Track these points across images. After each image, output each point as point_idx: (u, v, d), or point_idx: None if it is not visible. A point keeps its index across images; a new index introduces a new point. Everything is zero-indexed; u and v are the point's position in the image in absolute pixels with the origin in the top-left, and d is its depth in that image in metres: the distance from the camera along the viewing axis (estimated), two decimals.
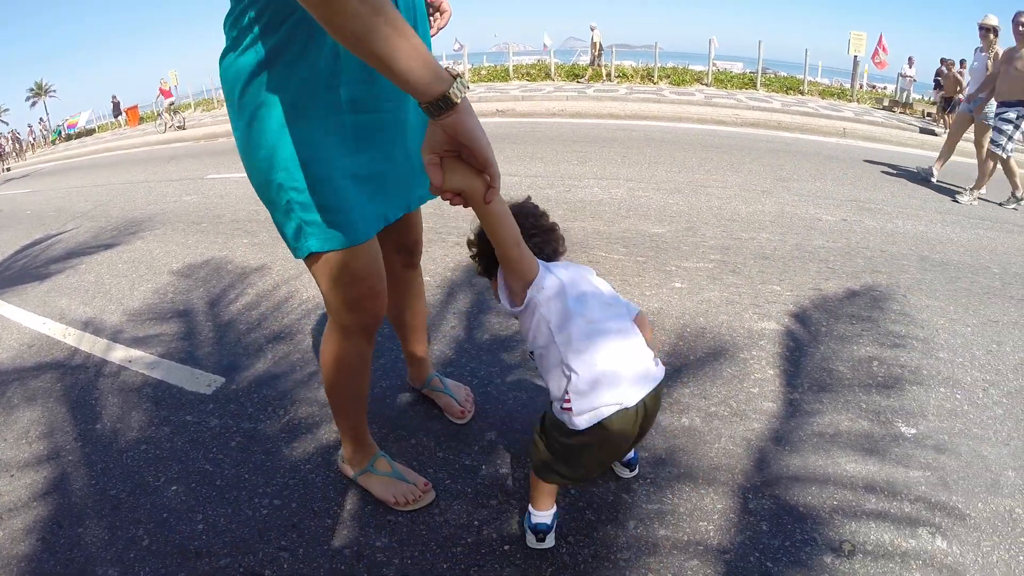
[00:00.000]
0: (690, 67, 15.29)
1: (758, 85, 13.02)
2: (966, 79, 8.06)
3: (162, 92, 16.59)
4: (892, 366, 2.02)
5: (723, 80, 13.68)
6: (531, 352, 1.20)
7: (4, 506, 1.87)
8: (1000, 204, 4.86)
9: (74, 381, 2.57)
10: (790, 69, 21.12)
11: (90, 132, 23.92)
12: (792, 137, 7.34)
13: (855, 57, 12.90)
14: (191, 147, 11.42)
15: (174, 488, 1.80)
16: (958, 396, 1.89)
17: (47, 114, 31.08)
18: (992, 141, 4.85)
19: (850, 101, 12.26)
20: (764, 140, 7.09)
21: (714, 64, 14.18)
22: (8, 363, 2.88)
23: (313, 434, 1.98)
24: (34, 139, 23.73)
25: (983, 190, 4.97)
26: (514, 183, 4.90)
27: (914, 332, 2.26)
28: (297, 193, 1.14)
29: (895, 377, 1.97)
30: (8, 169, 17.95)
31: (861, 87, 13.80)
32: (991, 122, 4.91)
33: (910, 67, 13.28)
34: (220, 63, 1.13)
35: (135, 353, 2.73)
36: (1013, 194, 4.87)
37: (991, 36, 5.28)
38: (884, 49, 13.41)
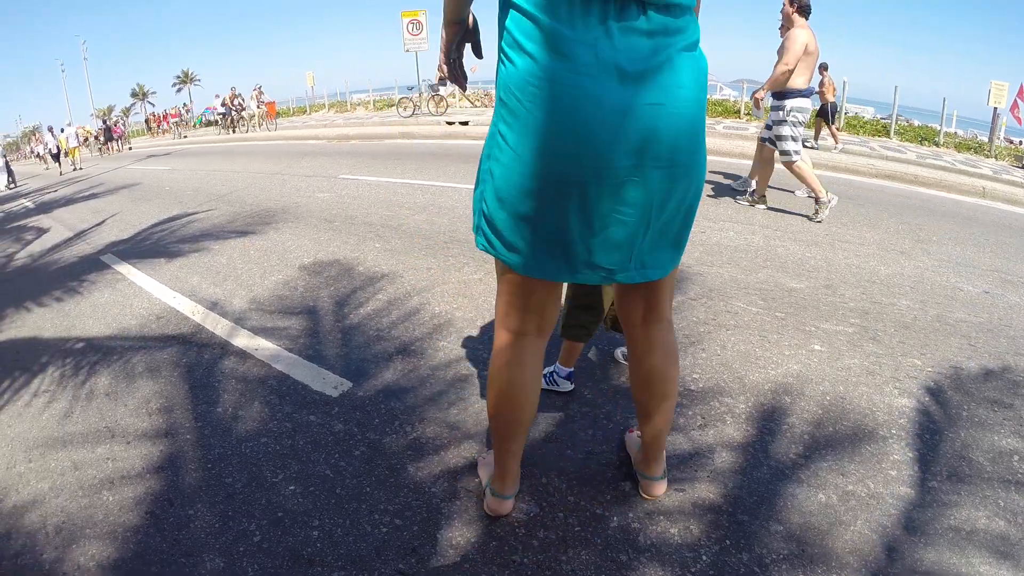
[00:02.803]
0: None
1: (891, 133, 13.32)
2: None
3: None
4: None
5: (855, 125, 14.12)
6: None
7: (117, 471, 2.07)
8: None
9: (197, 359, 2.83)
10: (923, 117, 21.50)
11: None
12: (929, 193, 7.66)
13: (995, 109, 12.98)
14: (323, 146, 12.60)
15: (292, 488, 1.89)
16: None
17: (191, 100, 36.13)
18: None
19: (988, 157, 12.64)
20: (900, 194, 7.18)
21: (845, 108, 14.21)
22: (135, 330, 3.26)
23: (440, 457, 2.02)
24: (185, 119, 28.34)
25: None
26: None
27: None
28: None
29: None
30: (185, 137, 23.74)
31: (999, 142, 13.78)
32: None
33: None
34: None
35: (261, 342, 2.96)
36: None
37: None
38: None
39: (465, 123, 13.83)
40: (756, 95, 5.52)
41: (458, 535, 1.67)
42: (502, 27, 1.25)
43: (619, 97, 1.18)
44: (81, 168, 17.66)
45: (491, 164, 1.33)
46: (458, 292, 3.49)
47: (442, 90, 16.31)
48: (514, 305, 1.47)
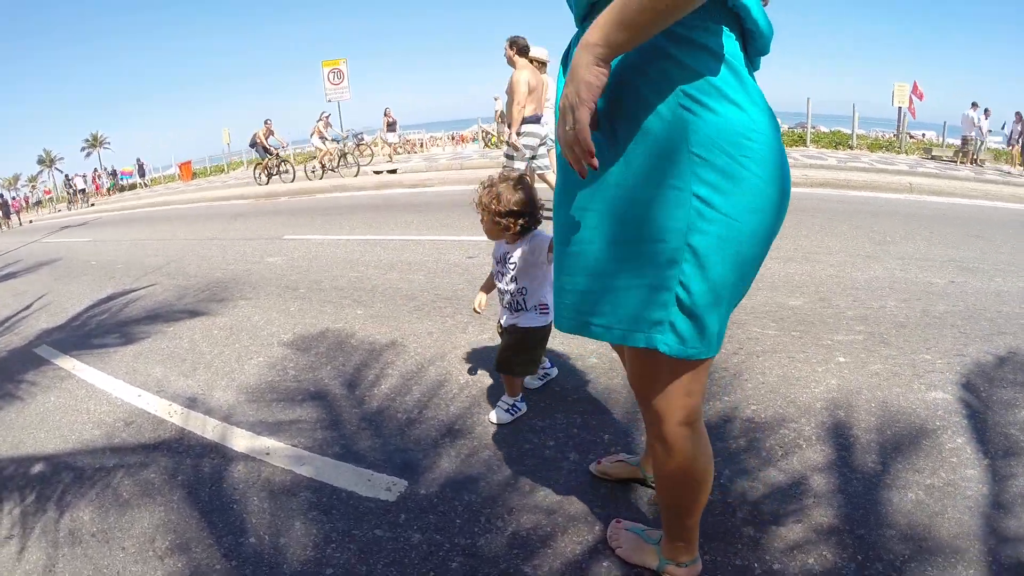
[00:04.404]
0: None
1: (807, 142, 14.46)
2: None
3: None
4: None
5: None
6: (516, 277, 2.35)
7: None
8: None
9: (196, 474, 2.33)
10: (828, 123, 23.57)
11: (135, 186, 25.83)
12: (864, 196, 8.33)
13: (900, 108, 14.48)
14: (252, 205, 11.91)
15: None
16: None
17: (100, 164, 33.96)
18: None
19: (898, 153, 13.98)
20: (840, 200, 7.80)
21: None
22: (102, 442, 2.71)
23: (554, 549, 1.79)
24: (97, 187, 25.91)
25: None
26: None
27: None
28: None
29: None
30: (92, 205, 21.06)
31: (904, 136, 15.47)
32: None
33: (986, 117, 13.79)
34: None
35: (268, 442, 2.49)
36: None
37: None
38: (920, 96, 14.79)
39: (393, 171, 13.51)
40: (512, 141, 6.13)
41: None
42: (678, 69, 1.04)
43: None
44: None
45: (691, 238, 1.08)
46: (475, 357, 3.16)
47: (367, 138, 15.99)
48: (701, 387, 1.29)
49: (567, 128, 1.02)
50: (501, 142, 14.93)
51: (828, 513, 1.84)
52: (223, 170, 24.98)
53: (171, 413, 2.90)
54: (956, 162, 13.45)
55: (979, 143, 13.72)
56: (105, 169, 28.86)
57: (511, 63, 5.98)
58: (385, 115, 18.28)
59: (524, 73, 5.85)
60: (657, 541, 1.63)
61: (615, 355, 3.17)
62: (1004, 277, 4.33)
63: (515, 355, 2.42)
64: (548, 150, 6.49)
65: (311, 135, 15.55)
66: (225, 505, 2.11)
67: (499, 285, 2.43)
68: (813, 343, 3.10)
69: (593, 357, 3.15)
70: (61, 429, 2.89)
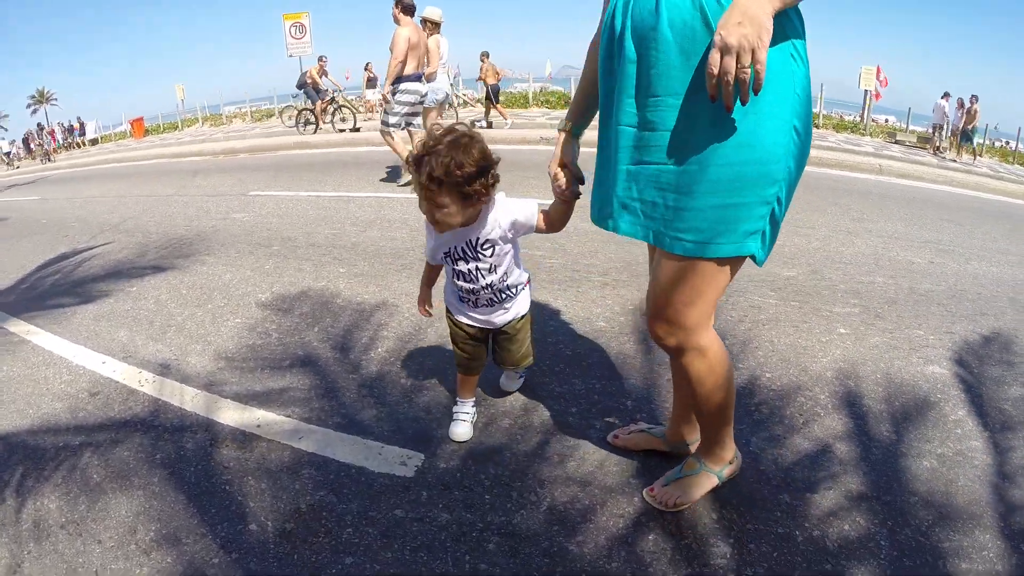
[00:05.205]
0: None
1: None
2: None
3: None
4: None
5: None
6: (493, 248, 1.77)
7: None
8: None
9: (178, 452, 2.05)
10: None
11: (94, 142, 24.40)
12: (837, 175, 8.56)
13: (866, 91, 14.87)
14: (211, 162, 11.26)
15: None
16: None
17: (47, 121, 31.67)
18: None
19: (863, 135, 14.35)
20: (819, 178, 7.95)
21: None
22: (66, 416, 2.38)
23: (595, 522, 1.66)
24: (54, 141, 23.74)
25: None
26: None
27: None
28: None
29: None
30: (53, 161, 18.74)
31: (868, 120, 15.96)
32: None
33: (959, 107, 14.18)
34: None
35: (260, 414, 2.21)
36: None
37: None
38: (883, 82, 15.22)
39: (356, 129, 12.91)
40: (384, 94, 6.16)
41: None
42: (790, 26, 1.24)
43: None
44: None
45: (788, 161, 1.28)
46: None
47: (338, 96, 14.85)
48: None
49: (743, 66, 1.11)
50: (464, 103, 14.36)
51: (856, 480, 1.85)
52: (177, 127, 23.73)
53: (142, 382, 2.58)
54: (922, 148, 13.93)
55: (947, 132, 14.20)
56: (60, 124, 26.96)
57: (396, 20, 6.04)
58: (366, 70, 17.07)
59: (405, 31, 5.94)
60: (699, 467, 1.66)
61: (624, 318, 2.99)
62: (979, 261, 4.55)
63: (528, 342, 2.04)
64: (425, 109, 6.58)
65: (302, 83, 14.00)
66: (216, 487, 1.83)
67: (465, 285, 1.84)
68: (813, 313, 3.15)
69: (601, 320, 2.96)
70: (16, 403, 2.54)
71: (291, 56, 15.32)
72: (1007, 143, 19.41)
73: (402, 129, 6.35)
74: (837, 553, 1.58)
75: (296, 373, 2.52)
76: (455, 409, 2.06)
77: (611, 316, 3.02)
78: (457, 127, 1.63)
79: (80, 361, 2.86)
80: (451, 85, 11.82)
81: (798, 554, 1.57)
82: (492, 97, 12.18)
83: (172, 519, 1.71)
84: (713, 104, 1.19)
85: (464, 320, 1.93)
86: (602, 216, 1.48)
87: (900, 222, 5.66)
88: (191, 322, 3.19)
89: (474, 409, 2.07)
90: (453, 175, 1.56)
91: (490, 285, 1.82)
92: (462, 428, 2.01)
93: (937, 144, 13.95)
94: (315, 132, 13.29)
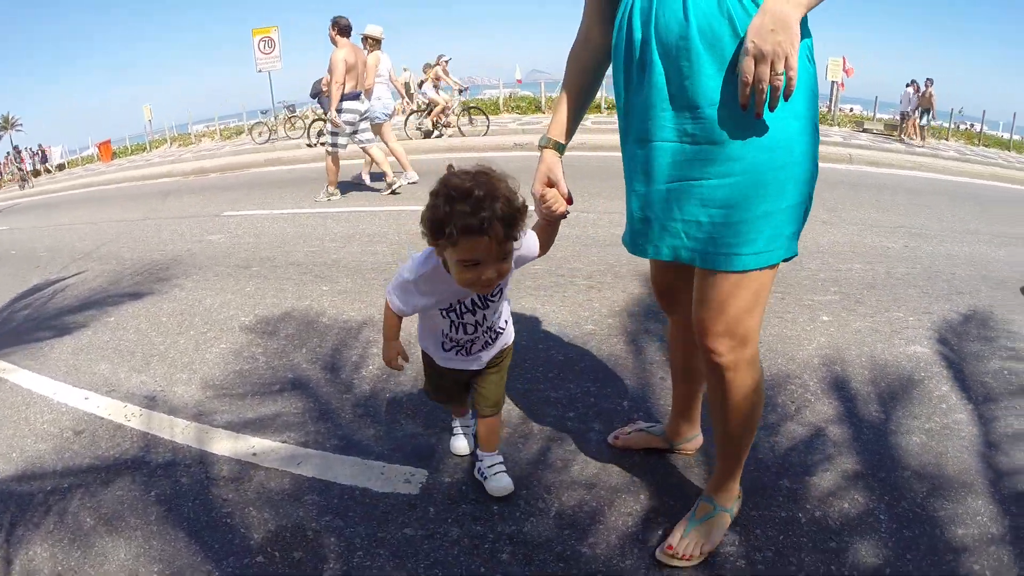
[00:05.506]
0: None
1: None
2: None
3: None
4: (1020, 375, 2.49)
5: None
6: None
7: None
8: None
9: (174, 487, 1.99)
10: None
11: (61, 167, 23.78)
12: None
13: (833, 83, 15.24)
14: (182, 183, 11.06)
15: None
16: None
17: (12, 146, 30.74)
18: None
19: (831, 125, 14.71)
20: None
21: None
22: (51, 459, 2.30)
23: (605, 523, 1.69)
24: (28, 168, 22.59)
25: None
26: (591, 220, 5.04)
27: (1019, 344, 2.79)
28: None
29: None
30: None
31: (836, 110, 16.42)
32: None
33: (915, 91, 14.55)
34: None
35: (254, 441, 2.16)
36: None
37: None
38: (849, 72, 15.62)
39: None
40: (331, 118, 6.31)
41: None
42: (805, 29, 1.23)
43: None
44: None
45: (816, 159, 1.31)
46: None
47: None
48: None
49: (777, 73, 1.11)
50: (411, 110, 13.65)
51: (850, 460, 1.92)
52: (145, 149, 23.30)
53: (128, 416, 2.51)
54: (889, 136, 14.54)
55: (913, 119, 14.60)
56: (28, 148, 26.13)
57: (333, 42, 6.21)
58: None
59: (342, 52, 6.09)
60: (714, 508, 1.58)
61: (612, 320, 2.99)
62: (952, 242, 4.69)
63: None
64: (369, 124, 6.74)
65: (421, 83, 12.53)
66: (217, 521, 1.79)
67: (463, 337, 1.64)
68: (795, 303, 3.22)
69: (589, 324, 2.97)
70: None
71: (260, 71, 15.13)
72: (971, 126, 19.90)
73: (344, 149, 6.57)
74: (840, 531, 1.63)
75: (288, 397, 2.47)
76: (453, 424, 2.04)
77: (599, 319, 3.02)
78: (457, 170, 1.39)
79: (62, 398, 2.77)
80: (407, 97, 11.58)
81: (803, 535, 1.62)
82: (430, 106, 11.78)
83: (175, 558, 1.66)
84: (746, 111, 1.18)
85: (453, 367, 1.73)
86: (637, 243, 1.43)
87: (873, 209, 5.79)
88: (174, 350, 3.12)
89: (473, 421, 2.04)
90: (518, 207, 1.35)
91: (489, 327, 1.65)
92: (462, 442, 1.99)
93: (904, 131, 14.42)
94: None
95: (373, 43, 6.86)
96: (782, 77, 1.12)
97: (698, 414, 1.90)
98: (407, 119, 12.58)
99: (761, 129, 1.20)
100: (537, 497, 1.78)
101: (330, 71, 6.17)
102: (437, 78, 12.15)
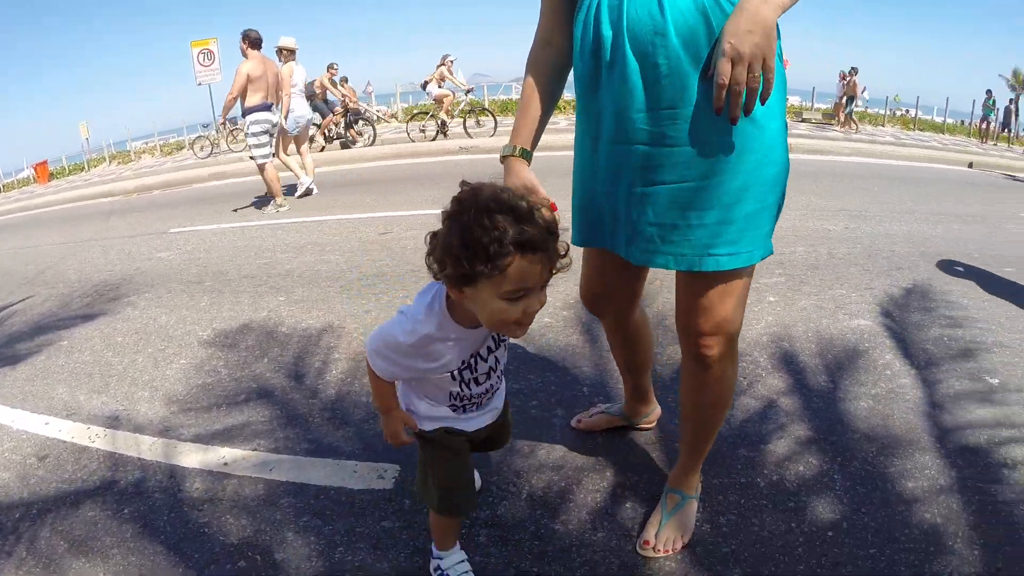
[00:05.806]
0: None
1: None
2: None
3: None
4: (959, 340, 2.69)
5: None
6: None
7: None
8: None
9: (148, 503, 2.00)
10: None
11: None
12: None
13: None
14: (124, 202, 10.74)
15: None
16: (1007, 351, 2.60)
17: None
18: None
19: None
20: None
21: None
22: (16, 488, 2.26)
23: (574, 500, 1.79)
24: None
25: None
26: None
27: (956, 312, 3.02)
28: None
29: (965, 347, 2.63)
30: None
31: None
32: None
33: (841, 79, 15.33)
34: None
35: (224, 452, 2.19)
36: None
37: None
38: (786, 63, 15.92)
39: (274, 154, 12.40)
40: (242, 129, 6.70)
41: None
42: (777, 31, 1.17)
43: None
44: None
45: (786, 156, 1.32)
46: None
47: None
48: None
49: (754, 74, 1.08)
50: (389, 118, 13.67)
51: (803, 427, 2.05)
52: (84, 168, 22.40)
53: (92, 438, 2.49)
54: (828, 124, 15.26)
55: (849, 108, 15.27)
56: None
57: (243, 54, 6.32)
58: (329, 70, 16.11)
59: (246, 66, 6.23)
60: (682, 499, 1.62)
61: (567, 312, 3.09)
62: (891, 222, 4.93)
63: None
64: (272, 137, 6.74)
65: (425, 84, 12.31)
66: (194, 531, 1.81)
67: (477, 390, 1.32)
68: None
69: (545, 317, 3.05)
70: None
71: (200, 84, 14.77)
72: (907, 111, 20.81)
73: (271, 159, 6.64)
74: (797, 492, 1.76)
75: (254, 406, 2.49)
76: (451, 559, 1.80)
77: (554, 311, 3.11)
78: (475, 183, 1.10)
79: (20, 425, 2.72)
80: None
81: (763, 497, 1.74)
82: (352, 122, 11.87)
83: (155, 571, 1.68)
84: (720, 115, 1.15)
85: (472, 427, 1.39)
86: (597, 235, 1.41)
87: (814, 195, 5.99)
88: (133, 369, 3.08)
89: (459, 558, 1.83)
90: (549, 220, 1.08)
91: (494, 381, 1.37)
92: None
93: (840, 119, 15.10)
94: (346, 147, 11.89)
95: (288, 54, 6.98)
96: (759, 79, 1.09)
97: (651, 391, 2.02)
98: (329, 129, 12.16)
99: (742, 131, 1.18)
100: (508, 482, 1.86)
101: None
102: (442, 78, 12.17)
